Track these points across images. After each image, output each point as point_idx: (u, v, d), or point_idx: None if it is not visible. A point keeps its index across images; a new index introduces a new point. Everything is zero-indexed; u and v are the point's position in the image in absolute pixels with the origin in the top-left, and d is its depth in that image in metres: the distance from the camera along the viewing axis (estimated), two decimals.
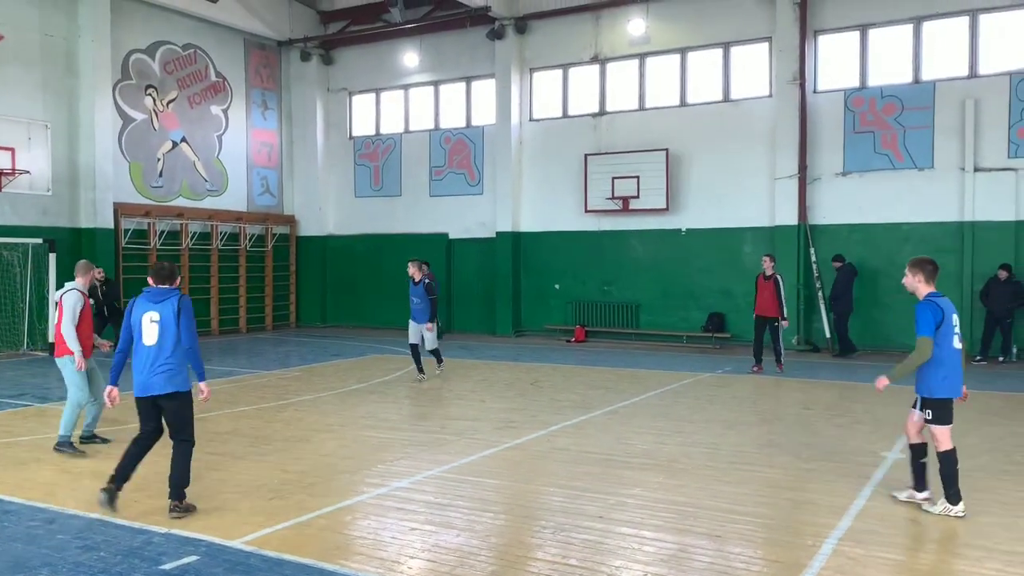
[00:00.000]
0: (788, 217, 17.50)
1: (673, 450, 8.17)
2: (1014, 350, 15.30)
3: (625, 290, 19.65)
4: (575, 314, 20.00)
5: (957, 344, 6.27)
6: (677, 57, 19.08)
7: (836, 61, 17.53)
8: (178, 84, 20.62)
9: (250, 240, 22.20)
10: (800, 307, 17.36)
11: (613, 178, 19.12)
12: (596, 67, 19.99)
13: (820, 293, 17.21)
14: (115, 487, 6.07)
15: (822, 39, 17.61)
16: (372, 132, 23.24)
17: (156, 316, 6.04)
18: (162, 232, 19.79)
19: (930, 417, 6.21)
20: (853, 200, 17.11)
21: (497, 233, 20.81)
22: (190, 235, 20.58)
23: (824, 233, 17.39)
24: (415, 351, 12.90)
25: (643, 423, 9.55)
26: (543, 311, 20.55)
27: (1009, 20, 15.90)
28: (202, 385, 6.25)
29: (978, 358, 15.13)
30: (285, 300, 23.49)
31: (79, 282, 8.20)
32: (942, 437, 6.15)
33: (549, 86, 20.73)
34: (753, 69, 18.31)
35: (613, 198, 19.13)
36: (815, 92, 17.55)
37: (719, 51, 18.63)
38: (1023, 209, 15.54)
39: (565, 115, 20.49)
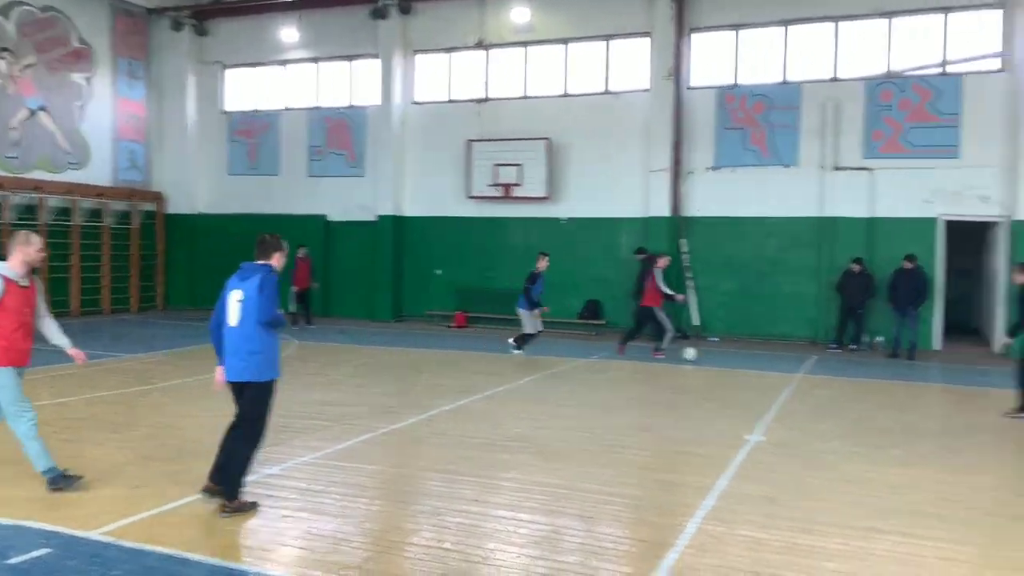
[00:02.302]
0: (662, 209, 18.07)
1: (549, 434, 8.33)
2: (866, 339, 16.40)
3: (506, 276, 19.77)
4: (457, 300, 20.02)
5: None
6: (560, 47, 19.33)
7: (711, 59, 18.20)
8: (36, 48, 19.26)
9: (114, 217, 21.04)
10: None
11: (496, 165, 19.20)
12: (481, 53, 19.99)
13: (691, 283, 17.89)
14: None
15: (697, 37, 18.23)
16: (248, 108, 22.45)
17: (240, 295, 5.68)
18: (16, 206, 18.47)
19: None
20: (723, 194, 17.83)
21: (378, 216, 20.54)
22: (48, 210, 19.32)
23: (696, 225, 18.05)
24: None
25: (521, 408, 9.68)
26: (424, 296, 20.47)
27: (866, 28, 16.92)
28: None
29: (832, 346, 16.12)
30: (151, 281, 22.42)
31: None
32: None
33: (433, 69, 20.58)
34: (633, 63, 18.76)
35: (495, 185, 19.21)
36: (690, 88, 18.16)
37: (601, 44, 18.99)
38: (876, 206, 16.62)
39: (449, 99, 20.41)
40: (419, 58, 20.62)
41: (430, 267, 20.46)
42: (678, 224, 18.06)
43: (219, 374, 5.78)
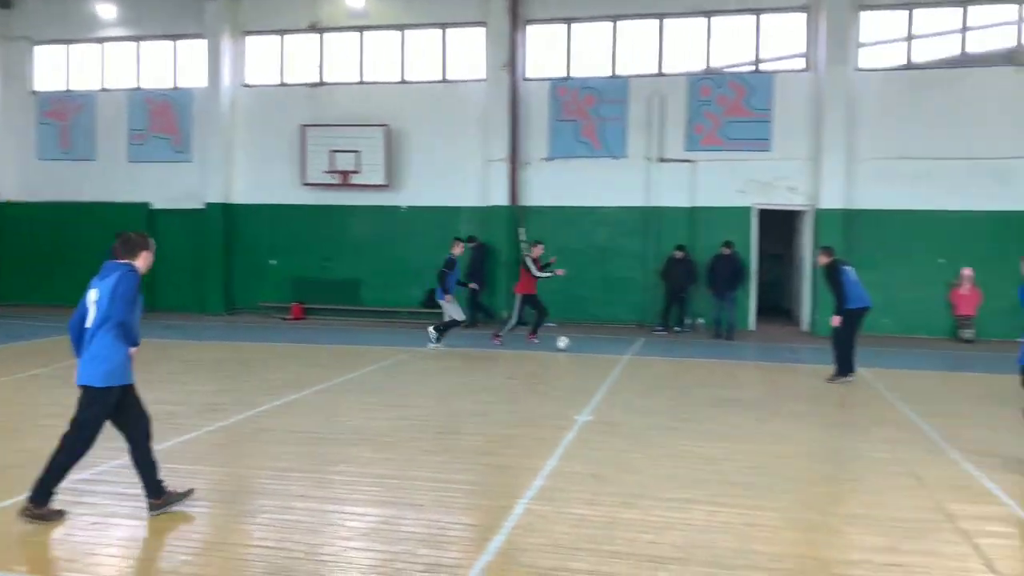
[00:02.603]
0: (500, 198, 18.31)
1: (383, 424, 8.28)
2: (689, 321, 17.35)
3: (345, 266, 19.47)
4: (293, 291, 19.47)
5: None
6: (397, 34, 19.14)
7: (545, 51, 18.58)
8: None
9: None
10: (511, 284, 18.29)
11: (332, 151, 18.78)
12: (315, 36, 19.48)
13: None
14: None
15: (532, 29, 18.55)
16: (60, 88, 20.81)
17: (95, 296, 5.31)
18: None
19: None
20: (558, 184, 18.29)
21: (207, 204, 19.63)
22: None
23: (533, 214, 18.43)
24: None
25: (355, 399, 9.57)
26: (258, 288, 19.76)
27: (688, 26, 17.81)
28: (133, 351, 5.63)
29: (658, 329, 16.94)
30: None
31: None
32: None
33: (265, 52, 19.85)
34: (469, 53, 18.86)
35: (332, 172, 18.81)
36: (525, 79, 18.47)
37: (437, 32, 18.96)
38: (696, 196, 17.57)
39: (282, 83, 19.76)
40: (250, 40, 19.82)
41: (264, 257, 19.78)
42: (517, 213, 18.37)
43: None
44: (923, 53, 16.87)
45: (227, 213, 19.64)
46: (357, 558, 4.85)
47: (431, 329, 14.32)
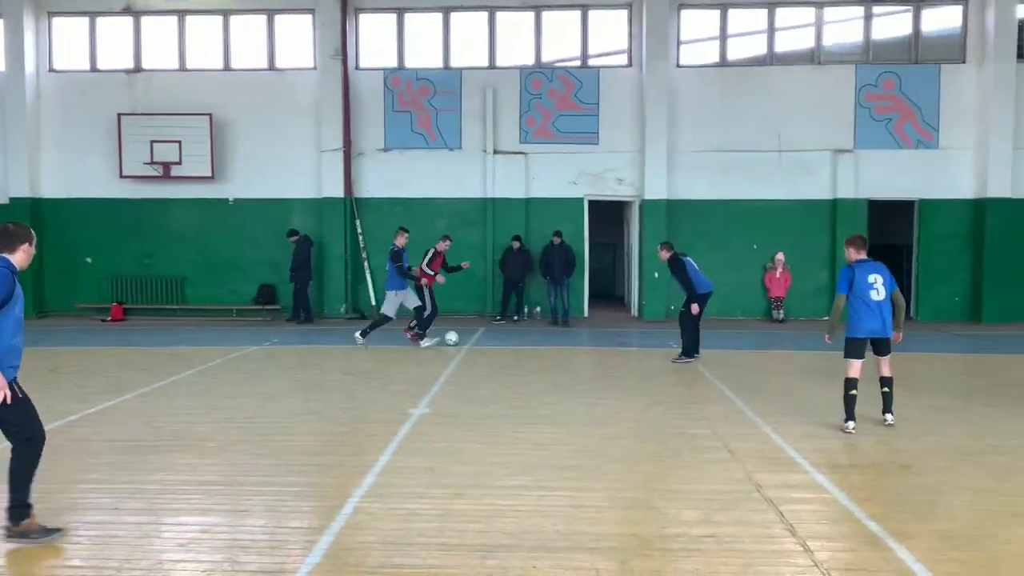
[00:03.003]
0: (335, 190, 17.94)
1: (206, 428, 7.92)
2: (527, 310, 17.70)
3: (169, 263, 18.47)
4: (111, 290, 18.27)
5: (873, 297, 7.81)
6: (220, 19, 18.30)
7: (377, 41, 18.32)
8: None
9: None
10: (347, 277, 17.99)
11: (152, 142, 17.76)
12: (129, 19, 18.30)
13: (366, 264, 18.02)
14: None
15: (364, 17, 18.26)
16: None
17: None
18: None
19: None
20: (394, 175, 18.14)
21: (10, 199, 18.06)
22: None
23: (369, 206, 18.18)
24: None
25: (178, 403, 9.09)
26: (72, 288, 18.40)
27: (518, 19, 18.08)
28: None
29: (498, 318, 17.18)
30: None
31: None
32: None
33: (73, 34, 18.44)
34: (298, 40, 18.31)
35: (152, 163, 17.77)
36: (357, 69, 18.17)
37: (263, 18, 18.28)
38: (531, 187, 17.94)
39: (94, 69, 18.47)
40: (57, 21, 18.37)
41: (78, 255, 18.45)
42: (352, 205, 18.05)
43: None
44: (736, 51, 17.95)
45: (35, 208, 18.15)
46: (172, 571, 4.61)
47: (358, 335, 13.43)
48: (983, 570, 4.60)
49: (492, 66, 18.08)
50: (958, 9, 17.50)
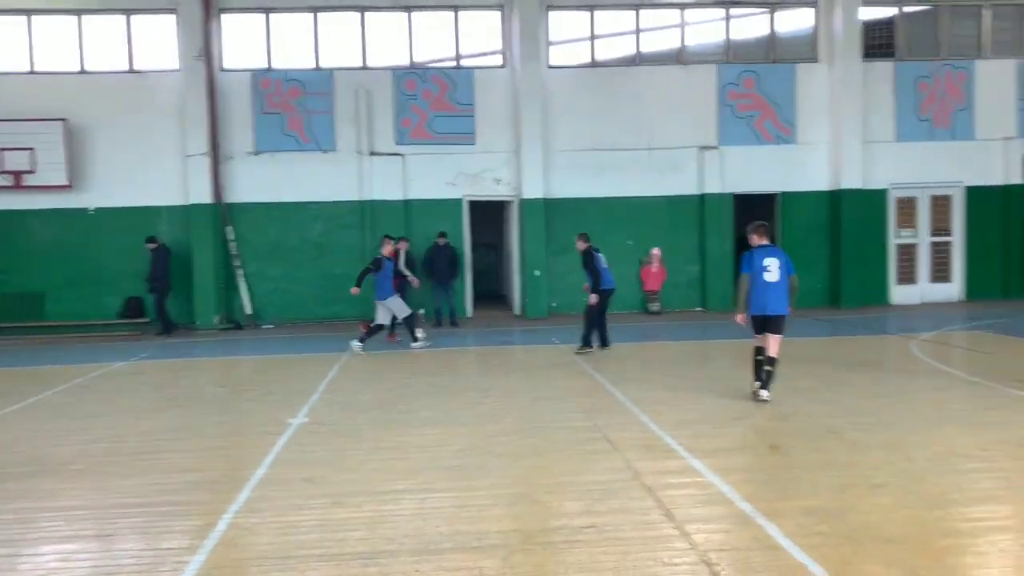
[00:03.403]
0: (203, 195, 17.27)
1: (69, 451, 7.44)
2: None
3: (25, 279, 17.34)
4: None
5: (766, 278, 8.57)
6: (74, 19, 17.30)
7: (244, 41, 17.75)
8: None
9: None
10: (220, 286, 17.35)
11: (2, 149, 16.60)
12: None
13: (239, 271, 17.43)
14: None
15: (227, 17, 17.65)
16: None
17: None
18: None
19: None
20: (266, 179, 17.63)
21: None
22: None
23: (241, 212, 17.60)
24: None
25: (38, 426, 8.52)
26: None
27: (389, 20, 17.91)
28: None
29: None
30: None
31: None
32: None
33: None
34: (159, 41, 17.53)
35: (2, 173, 16.61)
36: (223, 70, 17.56)
37: (121, 18, 17.40)
38: (409, 189, 17.80)
39: None
40: None
41: None
42: (222, 211, 17.42)
43: None
44: (605, 52, 18.37)
45: None
46: None
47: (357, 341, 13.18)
48: (845, 540, 4.85)
49: (365, 67, 17.84)
50: (810, 11, 18.52)
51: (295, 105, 17.61)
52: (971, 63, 18.63)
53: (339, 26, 17.86)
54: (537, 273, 17.69)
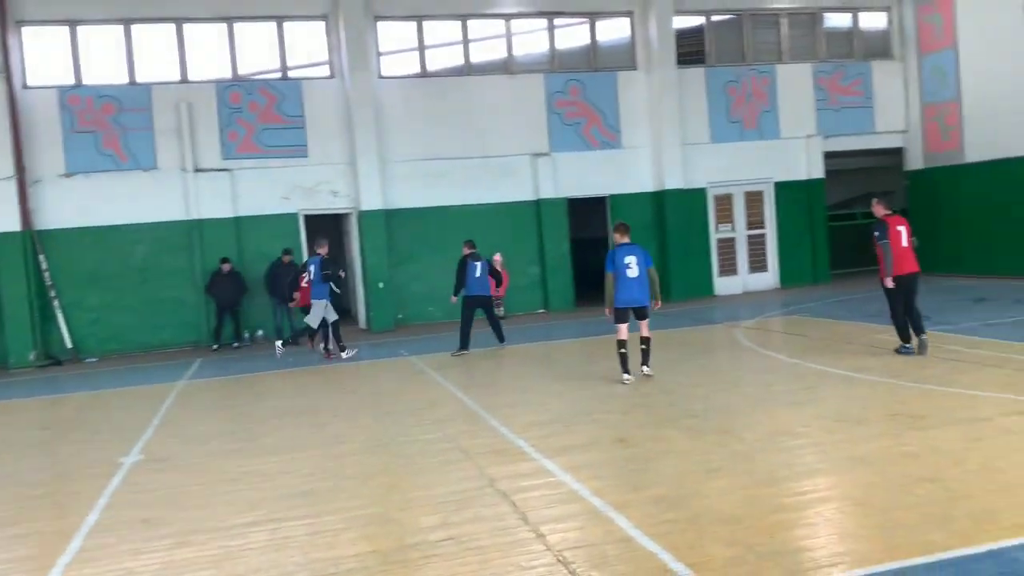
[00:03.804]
0: (9, 223, 15.88)
1: None
2: (246, 335, 16.90)
3: None
4: None
5: (628, 274, 9.47)
6: None
7: (48, 56, 16.50)
8: None
9: None
10: (34, 319, 16.02)
11: None
12: None
13: (56, 302, 16.18)
14: None
15: (28, 31, 16.36)
16: None
17: None
18: None
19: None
20: (81, 202, 16.45)
21: None
22: None
23: (55, 238, 16.32)
24: None
25: None
26: None
27: (210, 31, 17.20)
28: None
29: (214, 347, 16.23)
30: None
31: None
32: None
33: None
34: None
35: None
36: (26, 88, 16.25)
37: None
38: (239, 206, 17.14)
39: None
40: None
41: None
42: (32, 239, 16.09)
43: None
44: (435, 62, 18.45)
45: None
46: None
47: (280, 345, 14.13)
48: (690, 525, 5.11)
49: (185, 80, 17.03)
50: (626, 21, 19.39)
51: (110, 122, 16.54)
52: (773, 68, 20.13)
53: (155, 38, 16.95)
54: (381, 285, 17.50)
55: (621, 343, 9.64)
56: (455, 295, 13.41)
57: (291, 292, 15.52)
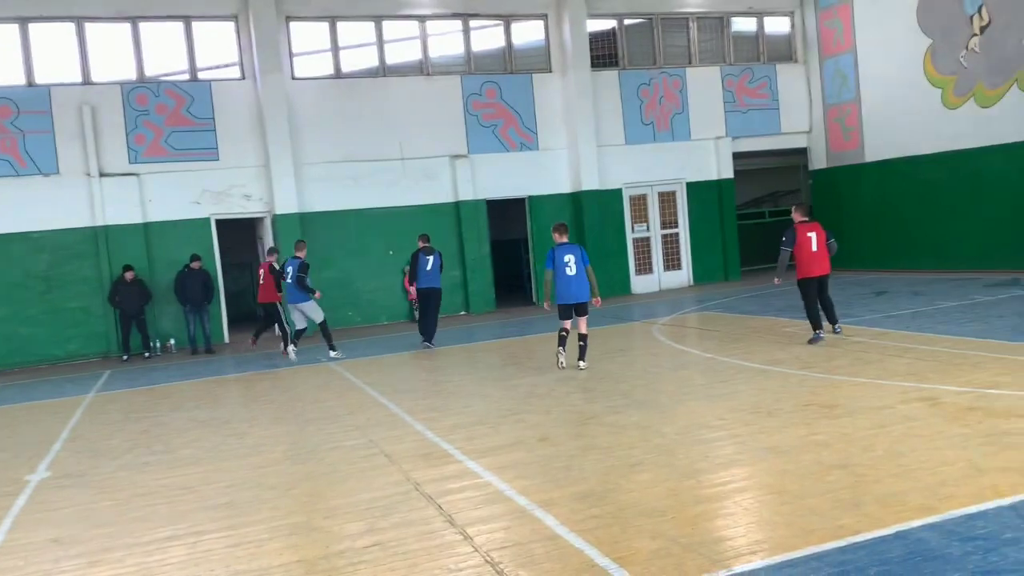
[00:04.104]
0: None
1: None
2: (156, 344, 16.36)
3: None
4: None
5: (567, 272, 10.08)
6: None
7: None
8: None
9: None
10: None
11: None
12: None
13: None
14: None
15: None
16: None
17: None
18: None
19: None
20: None
21: None
22: None
23: None
24: None
25: None
26: None
27: (113, 32, 16.59)
28: None
29: (124, 357, 15.66)
30: None
31: None
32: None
33: None
34: None
35: None
36: None
37: None
38: (149, 211, 16.59)
39: None
40: None
41: None
42: None
43: None
44: (350, 63, 18.25)
45: None
46: None
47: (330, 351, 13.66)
48: (614, 519, 5.20)
49: (88, 82, 16.38)
50: (540, 24, 19.58)
51: (6, 126, 15.77)
52: (683, 71, 20.65)
53: (54, 38, 16.25)
54: None
55: (563, 329, 10.41)
56: (411, 286, 14.15)
57: (209, 295, 15.49)
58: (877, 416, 7.07)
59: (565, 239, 10.37)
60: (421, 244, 13.71)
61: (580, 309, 10.37)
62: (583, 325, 10.46)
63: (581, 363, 10.39)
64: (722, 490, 5.63)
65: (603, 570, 4.46)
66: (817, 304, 10.83)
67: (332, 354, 13.49)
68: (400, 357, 13.39)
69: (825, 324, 10.98)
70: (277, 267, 14.22)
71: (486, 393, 9.64)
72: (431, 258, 13.51)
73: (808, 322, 10.96)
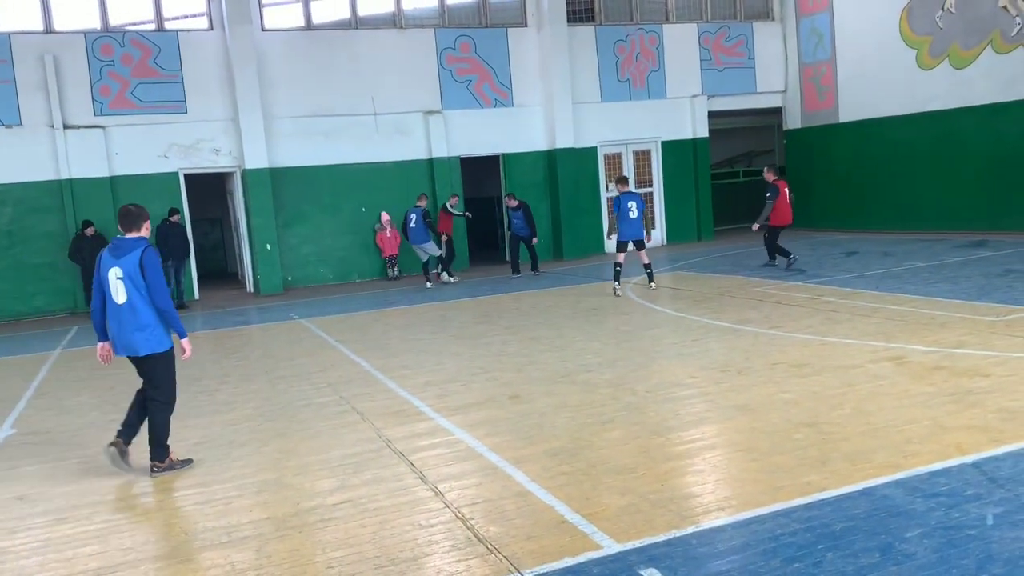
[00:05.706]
0: None
1: None
2: None
3: None
4: None
5: (630, 216, 12.63)
6: None
7: None
8: None
9: None
10: None
11: None
12: None
13: None
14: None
15: None
16: None
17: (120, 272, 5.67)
18: None
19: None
20: None
21: None
22: None
23: None
24: None
25: None
26: None
27: None
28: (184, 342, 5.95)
29: None
30: None
31: None
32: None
33: None
34: None
35: None
36: None
37: None
38: (116, 165, 16.24)
39: None
40: None
41: None
42: None
43: (101, 349, 6.10)
44: (321, 15, 17.83)
45: None
46: None
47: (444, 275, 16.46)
48: (585, 476, 5.23)
49: (50, 30, 15.88)
50: None
51: None
52: (660, 27, 20.42)
53: None
54: (269, 247, 16.99)
55: (617, 263, 12.77)
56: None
57: (187, 250, 16.03)
58: (845, 375, 7.15)
59: (627, 189, 12.90)
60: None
61: (639, 244, 12.76)
62: (644, 256, 13.01)
63: (652, 284, 13.13)
64: (691, 447, 5.68)
65: (573, 526, 4.49)
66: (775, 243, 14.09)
67: (451, 279, 16.48)
68: (372, 315, 13.32)
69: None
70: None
71: (458, 351, 9.62)
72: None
73: (778, 255, 14.17)
